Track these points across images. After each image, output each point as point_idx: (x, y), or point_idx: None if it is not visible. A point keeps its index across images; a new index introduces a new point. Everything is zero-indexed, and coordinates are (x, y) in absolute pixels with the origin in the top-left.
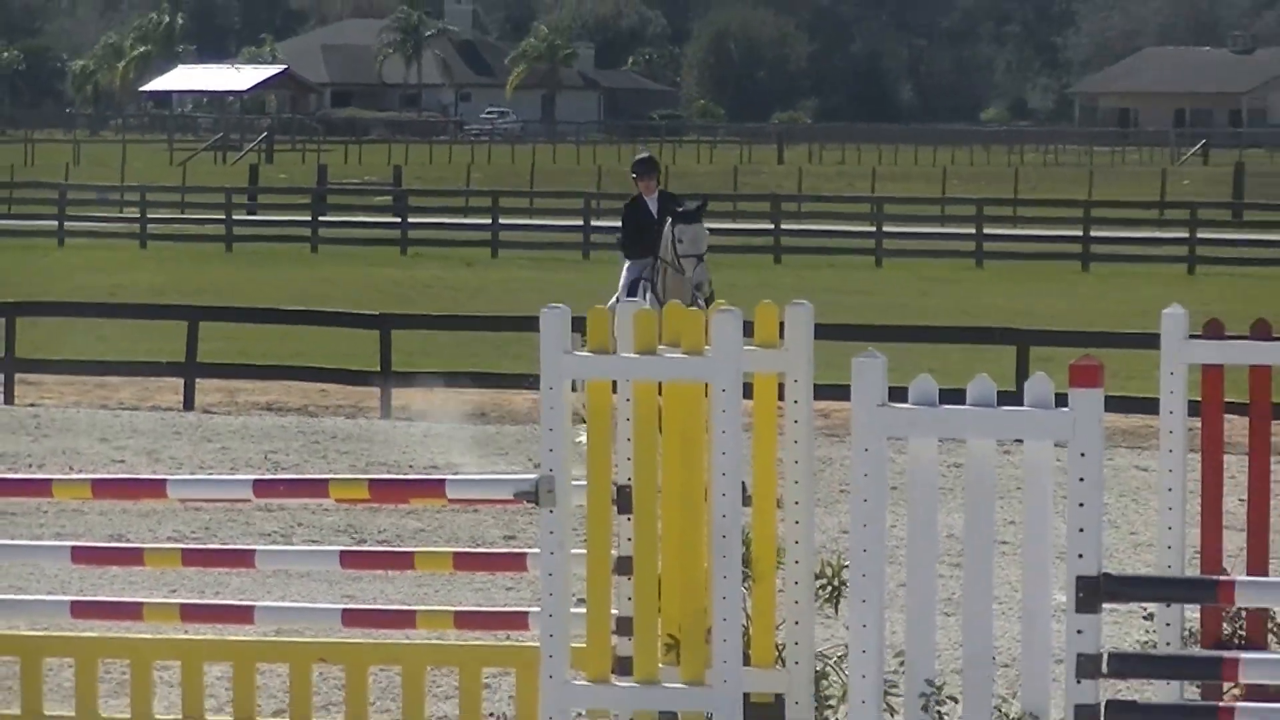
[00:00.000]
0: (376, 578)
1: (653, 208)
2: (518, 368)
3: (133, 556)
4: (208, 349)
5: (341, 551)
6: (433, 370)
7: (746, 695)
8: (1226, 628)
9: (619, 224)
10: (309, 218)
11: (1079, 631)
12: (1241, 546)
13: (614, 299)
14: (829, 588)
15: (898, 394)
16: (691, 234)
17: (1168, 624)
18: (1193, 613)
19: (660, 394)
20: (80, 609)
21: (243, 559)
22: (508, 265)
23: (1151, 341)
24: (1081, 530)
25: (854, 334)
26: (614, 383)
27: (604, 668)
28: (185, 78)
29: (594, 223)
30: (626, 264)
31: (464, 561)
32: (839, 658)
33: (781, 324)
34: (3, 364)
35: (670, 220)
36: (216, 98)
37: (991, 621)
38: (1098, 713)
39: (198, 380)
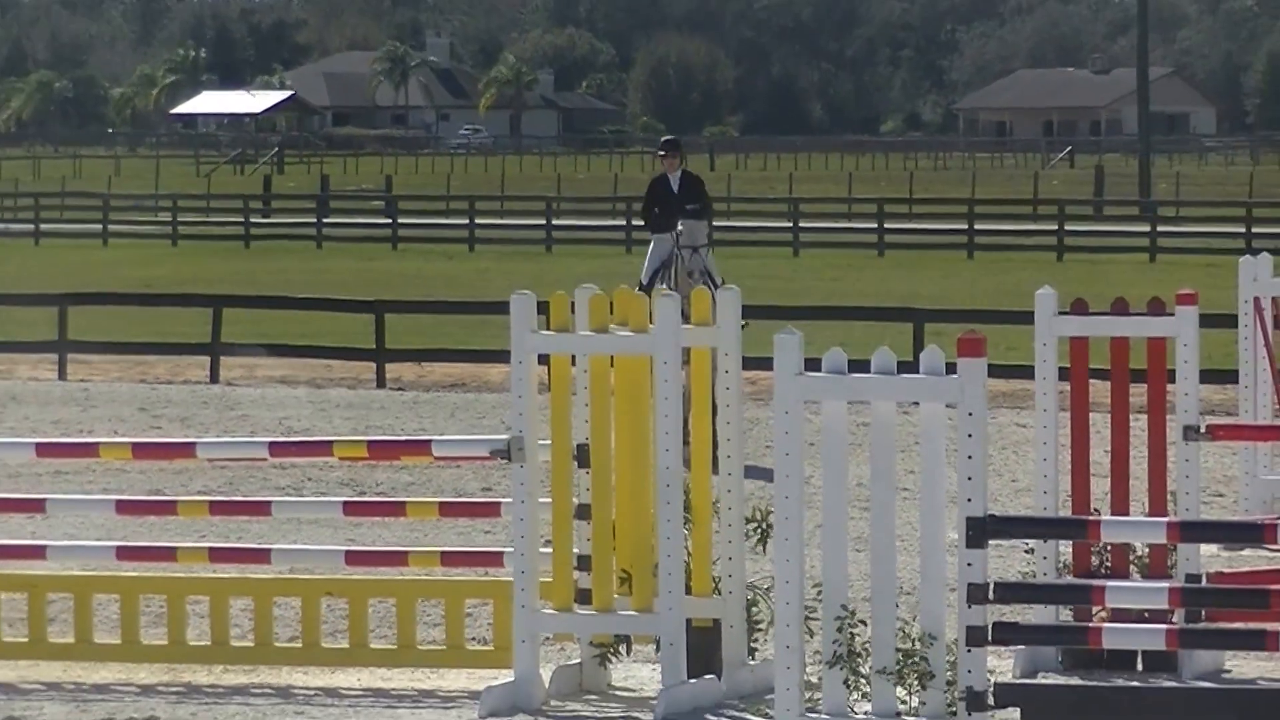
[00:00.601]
0: (374, 524)
1: (674, 184)
2: (491, 344)
3: (168, 508)
4: (230, 331)
5: (344, 502)
6: (420, 347)
7: (689, 620)
8: (1094, 560)
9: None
10: (314, 219)
11: (969, 564)
12: (1106, 491)
13: (644, 276)
14: (757, 529)
15: (813, 364)
16: (689, 228)
17: (1044, 557)
18: (1065, 547)
19: (612, 366)
20: (124, 553)
21: (261, 509)
22: (482, 258)
23: (1027, 318)
24: (970, 478)
25: (775, 314)
26: (573, 356)
27: (568, 598)
28: (208, 102)
29: (555, 221)
30: (652, 243)
31: (448, 509)
32: (766, 588)
33: (714, 306)
34: (56, 345)
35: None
36: (234, 119)
37: (895, 556)
38: (986, 633)
39: (222, 358)
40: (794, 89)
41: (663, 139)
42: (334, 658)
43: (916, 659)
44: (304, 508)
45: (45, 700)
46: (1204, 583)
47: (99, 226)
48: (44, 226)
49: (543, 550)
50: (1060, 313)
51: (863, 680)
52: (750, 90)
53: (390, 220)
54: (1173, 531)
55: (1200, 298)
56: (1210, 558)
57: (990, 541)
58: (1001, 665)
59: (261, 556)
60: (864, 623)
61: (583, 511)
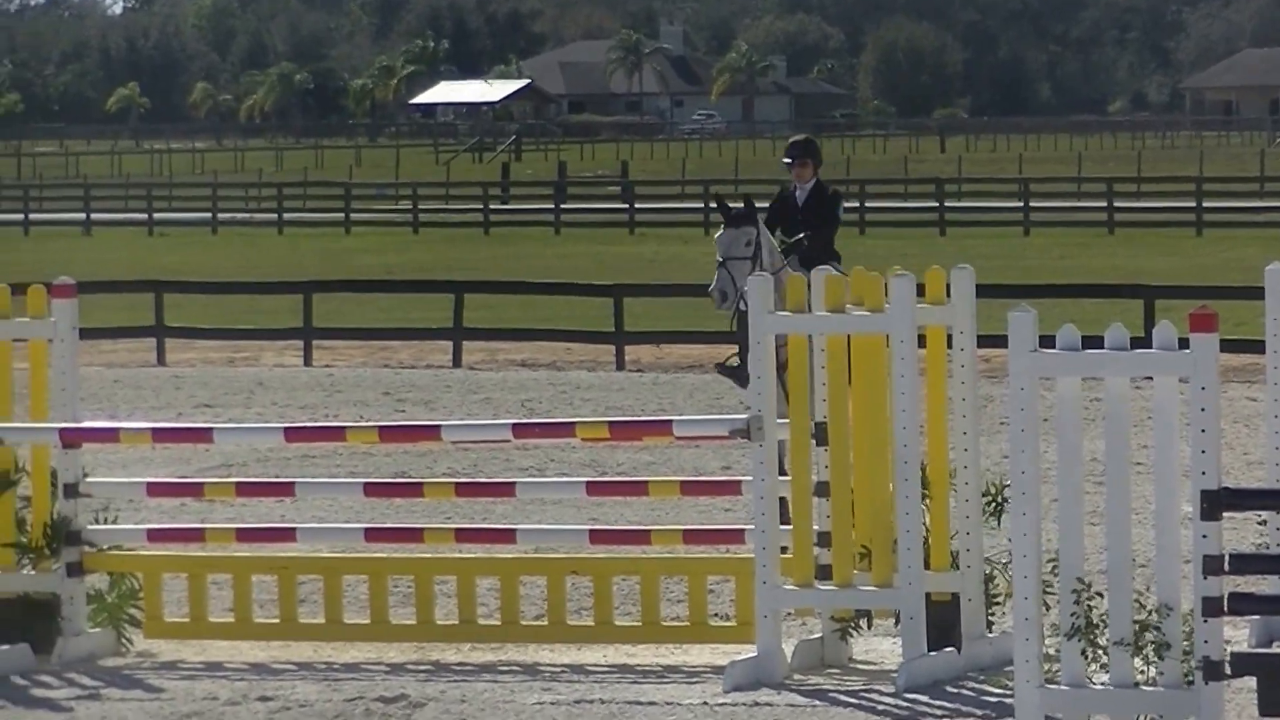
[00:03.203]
0: (617, 503)
1: (800, 199)
2: (728, 326)
3: (414, 490)
4: (471, 316)
5: (587, 482)
6: (658, 329)
7: (927, 594)
8: None
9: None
10: (552, 206)
11: (1204, 536)
12: None
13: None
14: (993, 504)
15: (1046, 341)
16: (723, 238)
17: (1277, 528)
18: None
19: (849, 345)
20: (372, 534)
21: (505, 490)
22: None
23: (1257, 293)
24: (1203, 451)
25: (1008, 292)
26: (810, 336)
27: (808, 574)
28: (446, 92)
29: None
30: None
31: (689, 488)
32: (1004, 563)
33: (948, 285)
34: (302, 332)
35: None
36: (473, 108)
37: (1130, 529)
38: (1221, 603)
39: (464, 342)
40: (1021, 71)
41: (790, 140)
42: (579, 635)
43: (1153, 630)
44: (547, 488)
45: (297, 680)
46: None
47: (341, 215)
48: (287, 216)
49: (782, 527)
50: None
51: (1100, 651)
52: (978, 72)
53: (627, 205)
54: None
55: None
56: None
57: (1224, 514)
58: (1236, 635)
59: (507, 536)
60: (1100, 595)
61: (821, 489)
